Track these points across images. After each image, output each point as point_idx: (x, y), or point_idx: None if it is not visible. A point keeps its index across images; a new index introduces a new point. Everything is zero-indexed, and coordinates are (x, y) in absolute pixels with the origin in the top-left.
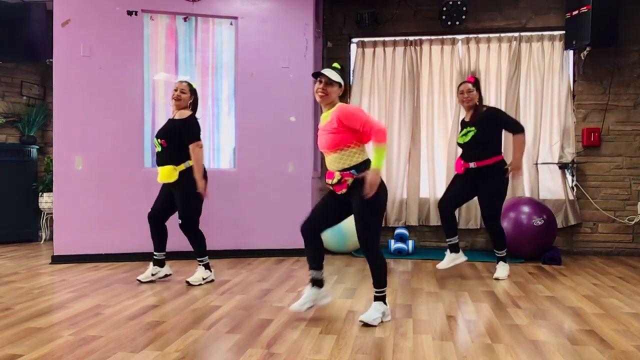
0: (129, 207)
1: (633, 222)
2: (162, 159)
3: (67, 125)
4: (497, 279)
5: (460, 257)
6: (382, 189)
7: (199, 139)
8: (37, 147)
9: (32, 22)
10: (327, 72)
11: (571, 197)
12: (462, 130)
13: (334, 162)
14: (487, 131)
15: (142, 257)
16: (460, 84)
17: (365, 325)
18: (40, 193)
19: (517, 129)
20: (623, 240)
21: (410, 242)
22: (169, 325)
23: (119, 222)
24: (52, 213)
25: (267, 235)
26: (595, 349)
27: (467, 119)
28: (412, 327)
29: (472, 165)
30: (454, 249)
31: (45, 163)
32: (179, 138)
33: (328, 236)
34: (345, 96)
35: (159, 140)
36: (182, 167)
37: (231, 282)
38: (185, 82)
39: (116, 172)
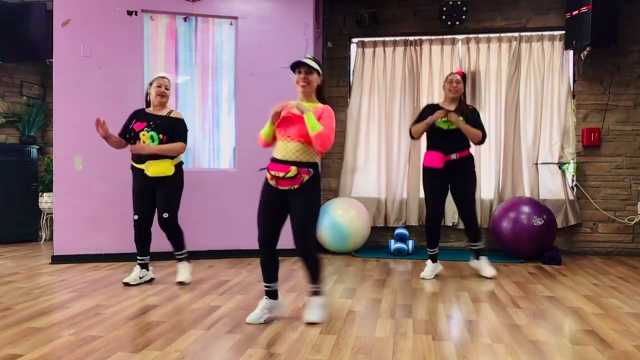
0: (129, 207)
1: (633, 222)
2: (157, 154)
3: (67, 125)
4: (491, 277)
5: (439, 267)
6: (317, 187)
7: (186, 142)
8: (37, 147)
9: (32, 22)
10: (306, 60)
11: (571, 197)
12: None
13: (294, 151)
14: (470, 124)
15: None
16: (450, 74)
17: (312, 324)
18: (40, 193)
19: (483, 132)
20: (623, 240)
21: (410, 242)
22: (169, 325)
23: (119, 222)
24: (52, 213)
25: None
26: (595, 349)
27: (449, 108)
28: (412, 327)
29: (454, 157)
30: (435, 259)
31: (45, 163)
32: (176, 135)
33: (328, 236)
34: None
35: (160, 135)
36: (176, 161)
37: (231, 282)
38: (166, 78)
39: (116, 172)
